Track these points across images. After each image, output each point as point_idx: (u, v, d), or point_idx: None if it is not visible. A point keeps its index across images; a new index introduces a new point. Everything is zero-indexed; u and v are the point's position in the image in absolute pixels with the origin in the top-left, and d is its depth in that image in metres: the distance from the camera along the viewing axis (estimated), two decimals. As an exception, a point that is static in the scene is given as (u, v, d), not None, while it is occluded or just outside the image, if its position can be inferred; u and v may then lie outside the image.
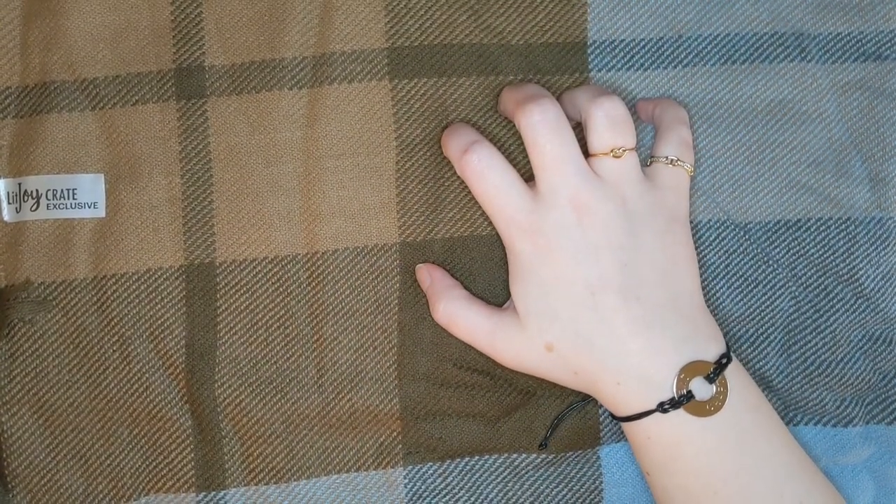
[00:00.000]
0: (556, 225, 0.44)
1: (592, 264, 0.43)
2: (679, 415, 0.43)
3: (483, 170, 0.44)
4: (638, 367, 0.43)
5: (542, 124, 0.44)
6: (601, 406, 0.48)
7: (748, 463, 0.44)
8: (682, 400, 0.43)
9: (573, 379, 0.45)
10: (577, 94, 0.46)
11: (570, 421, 0.48)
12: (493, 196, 0.44)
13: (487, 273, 0.48)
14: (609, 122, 0.44)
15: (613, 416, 0.45)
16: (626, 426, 0.45)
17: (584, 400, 0.48)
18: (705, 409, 0.43)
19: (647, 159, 0.46)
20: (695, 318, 0.44)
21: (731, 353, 0.45)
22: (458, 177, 0.47)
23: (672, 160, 0.45)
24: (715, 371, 0.43)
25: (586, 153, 0.44)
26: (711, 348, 0.44)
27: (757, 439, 0.44)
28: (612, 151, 0.44)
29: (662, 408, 0.43)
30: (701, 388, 0.43)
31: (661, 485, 0.45)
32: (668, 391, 0.43)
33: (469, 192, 0.47)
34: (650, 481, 0.46)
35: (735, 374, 0.44)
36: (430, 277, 0.47)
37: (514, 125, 0.47)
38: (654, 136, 0.47)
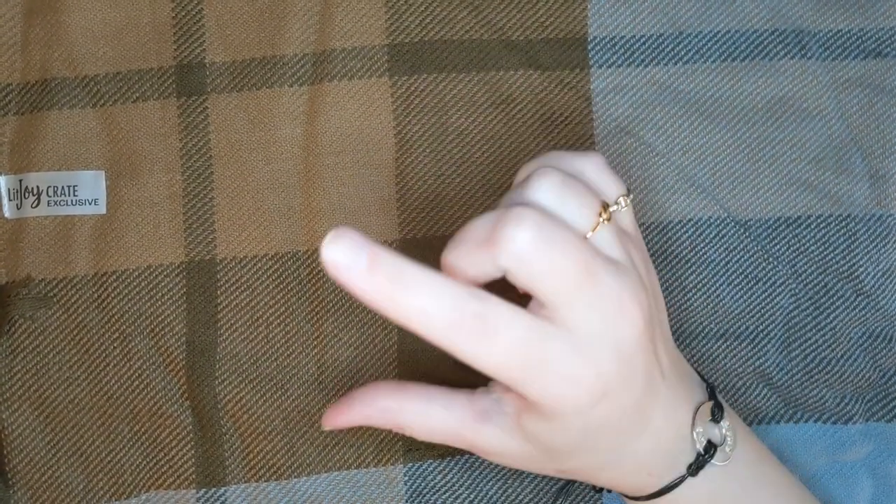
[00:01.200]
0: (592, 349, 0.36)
1: (637, 382, 0.37)
2: (705, 470, 0.40)
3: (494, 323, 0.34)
4: (665, 445, 0.39)
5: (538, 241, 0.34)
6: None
7: (770, 492, 0.41)
8: (708, 455, 0.39)
9: (578, 479, 0.41)
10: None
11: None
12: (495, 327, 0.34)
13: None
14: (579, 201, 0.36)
15: (629, 498, 0.41)
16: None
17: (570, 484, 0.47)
18: (726, 453, 0.40)
19: (643, 159, 0.45)
20: (679, 361, 0.41)
21: (707, 379, 0.42)
22: (458, 174, 0.47)
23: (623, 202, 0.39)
24: (716, 407, 0.40)
25: None
26: (701, 383, 0.41)
27: (767, 464, 0.42)
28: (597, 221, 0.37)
29: (691, 470, 0.40)
30: (713, 433, 0.40)
31: None
32: (692, 450, 0.40)
33: (469, 191, 0.47)
34: None
35: (723, 403, 0.41)
36: (342, 415, 0.41)
37: (514, 124, 0.47)
38: None
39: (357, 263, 0.32)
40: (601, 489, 0.46)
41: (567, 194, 0.35)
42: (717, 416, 0.40)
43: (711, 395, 0.41)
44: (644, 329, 0.36)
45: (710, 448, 0.40)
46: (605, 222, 0.36)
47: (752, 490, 0.41)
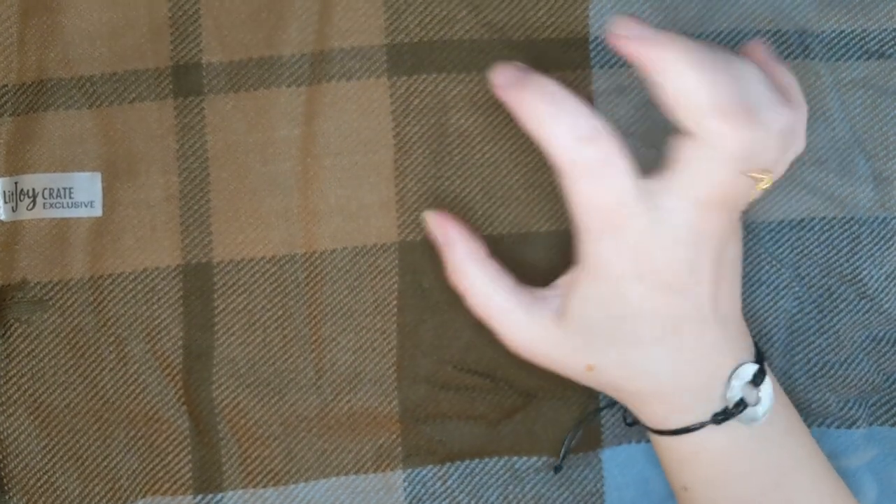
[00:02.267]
0: (671, 259, 0.39)
1: (692, 294, 0.40)
2: (731, 424, 0.41)
3: (608, 174, 0.38)
4: (695, 383, 0.41)
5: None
6: (602, 408, 0.48)
7: (791, 462, 0.42)
8: (737, 410, 0.41)
9: (606, 390, 0.43)
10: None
11: (569, 424, 0.48)
12: (610, 210, 0.38)
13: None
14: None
15: (651, 429, 0.43)
16: (663, 440, 0.43)
17: (596, 411, 0.47)
18: (757, 415, 0.42)
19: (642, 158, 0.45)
20: (738, 319, 0.43)
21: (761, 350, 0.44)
22: (458, 175, 0.47)
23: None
24: (759, 373, 0.42)
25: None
26: (752, 347, 0.43)
27: (798, 437, 0.43)
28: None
29: (717, 419, 0.41)
30: (749, 394, 0.41)
31: (707, 499, 0.43)
32: (722, 400, 0.41)
33: (469, 192, 0.47)
34: (688, 497, 0.43)
35: (768, 373, 0.43)
36: (444, 237, 0.43)
37: (515, 124, 0.47)
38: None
39: (499, 78, 0.39)
40: (631, 423, 0.46)
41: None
42: (757, 379, 0.41)
43: (759, 361, 0.42)
44: (719, 250, 0.40)
45: (741, 405, 0.41)
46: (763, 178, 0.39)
47: (774, 458, 0.42)
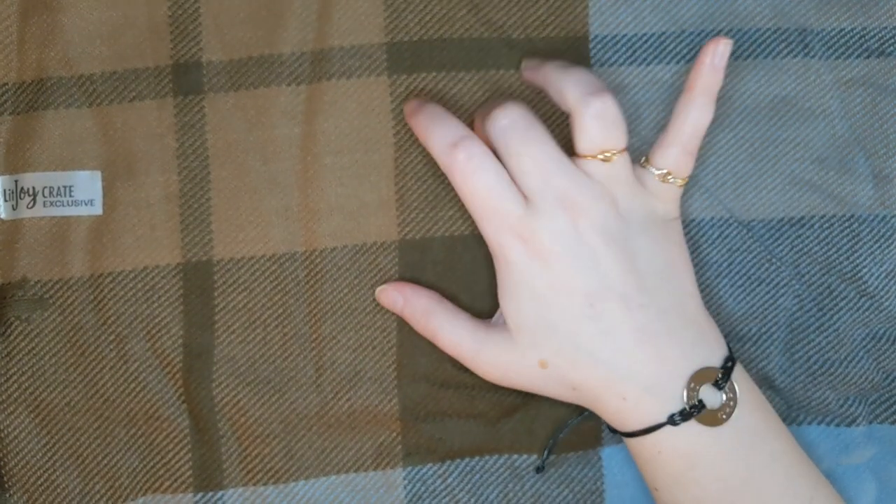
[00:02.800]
0: (550, 229, 0.41)
1: (592, 271, 0.41)
2: (691, 426, 0.42)
3: (475, 169, 0.42)
4: (645, 379, 0.42)
5: (511, 129, 0.41)
6: (585, 413, 0.48)
7: (760, 464, 0.43)
8: (694, 411, 0.41)
9: (571, 394, 0.44)
10: (566, 87, 0.42)
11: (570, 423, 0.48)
12: (484, 198, 0.42)
13: (489, 272, 0.47)
14: (599, 124, 0.41)
15: (615, 431, 0.44)
16: (630, 441, 0.44)
17: (581, 415, 0.48)
18: (717, 418, 0.42)
19: (641, 156, 0.45)
20: (699, 321, 0.43)
21: (733, 355, 0.44)
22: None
23: (664, 174, 0.44)
24: (723, 377, 0.42)
25: (569, 151, 0.43)
26: (717, 352, 0.43)
27: (766, 439, 0.43)
28: (601, 154, 0.42)
29: (674, 420, 0.42)
30: (711, 396, 0.42)
31: (671, 500, 0.43)
32: (678, 402, 0.42)
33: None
34: (658, 497, 0.44)
35: (739, 375, 0.43)
36: (402, 296, 0.46)
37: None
38: (660, 137, 0.44)
39: (407, 108, 0.46)
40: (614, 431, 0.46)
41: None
42: (720, 383, 0.42)
43: (727, 363, 0.43)
44: (622, 245, 0.42)
45: (699, 406, 0.42)
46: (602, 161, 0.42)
47: (742, 459, 0.42)
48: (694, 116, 0.43)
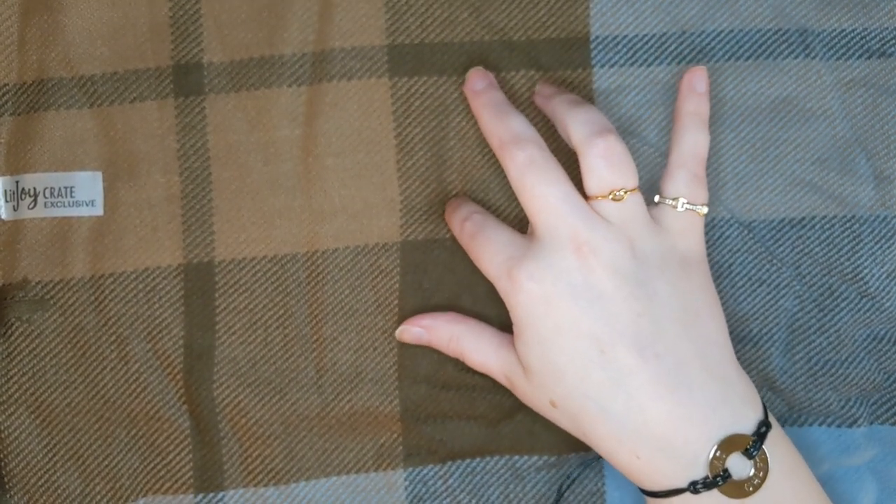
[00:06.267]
0: (556, 268, 0.40)
1: (600, 314, 0.39)
2: (713, 495, 0.39)
3: (477, 230, 0.43)
4: (661, 439, 0.39)
5: (528, 167, 0.41)
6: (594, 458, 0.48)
7: None
8: (718, 481, 0.38)
9: (584, 439, 0.42)
10: (571, 125, 0.42)
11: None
12: (484, 247, 0.42)
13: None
14: (606, 163, 0.41)
15: (641, 490, 0.41)
16: (649, 499, 0.41)
17: (589, 460, 0.47)
18: (744, 490, 0.39)
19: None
20: (726, 375, 0.40)
21: (770, 417, 0.41)
22: (461, 177, 0.47)
23: (680, 203, 0.42)
24: (755, 444, 0.39)
25: (583, 194, 0.42)
26: (749, 413, 0.40)
27: (802, 499, 0.41)
28: (611, 194, 0.41)
29: (694, 488, 0.39)
30: (739, 465, 0.39)
31: None
32: (701, 467, 0.39)
33: (471, 194, 0.47)
34: None
35: (775, 440, 0.40)
36: (423, 329, 0.46)
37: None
38: (664, 170, 0.44)
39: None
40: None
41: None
42: (751, 451, 0.39)
43: (760, 430, 0.40)
44: (638, 292, 0.40)
45: (725, 475, 0.39)
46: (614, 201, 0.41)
47: None
48: (690, 139, 0.43)
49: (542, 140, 0.42)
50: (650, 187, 0.47)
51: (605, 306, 0.40)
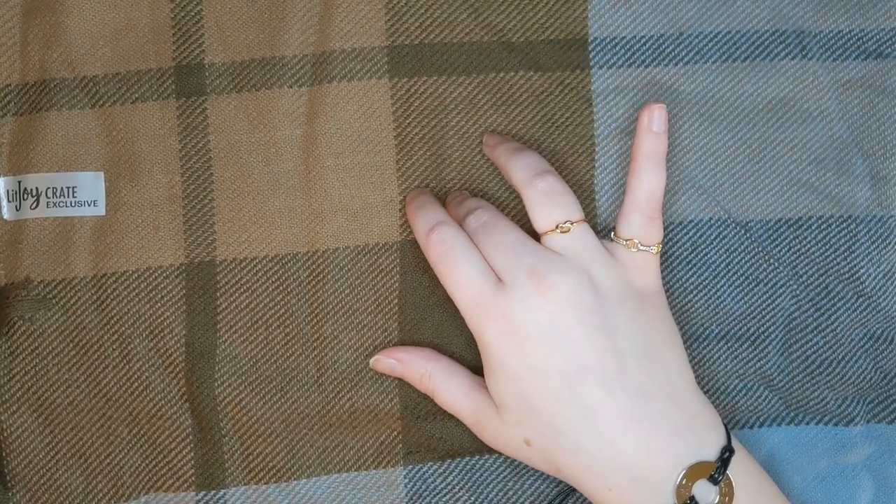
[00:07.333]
0: (522, 307, 0.41)
1: (567, 349, 0.40)
2: None
3: (447, 250, 0.43)
4: (631, 470, 0.40)
5: (481, 228, 0.43)
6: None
7: None
8: None
9: (558, 475, 0.43)
10: (513, 169, 0.44)
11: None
12: (454, 276, 0.42)
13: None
14: (548, 199, 0.42)
15: None
16: None
17: (565, 494, 0.47)
18: None
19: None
20: (688, 403, 0.42)
21: (733, 440, 0.42)
22: (459, 177, 0.47)
23: (632, 242, 0.43)
24: (718, 470, 0.40)
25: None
26: (711, 439, 0.41)
27: None
28: (558, 227, 0.42)
29: None
30: (705, 492, 0.40)
31: None
32: (669, 496, 0.40)
33: (471, 192, 0.47)
34: None
35: (739, 463, 0.41)
36: (397, 362, 0.46)
37: (515, 125, 0.47)
38: (620, 209, 0.45)
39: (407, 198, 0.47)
40: None
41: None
42: (715, 477, 0.40)
43: (724, 455, 0.41)
44: (600, 325, 0.41)
45: (692, 502, 0.40)
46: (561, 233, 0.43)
47: None
48: (646, 182, 0.44)
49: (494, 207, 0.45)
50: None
51: (571, 341, 0.41)
